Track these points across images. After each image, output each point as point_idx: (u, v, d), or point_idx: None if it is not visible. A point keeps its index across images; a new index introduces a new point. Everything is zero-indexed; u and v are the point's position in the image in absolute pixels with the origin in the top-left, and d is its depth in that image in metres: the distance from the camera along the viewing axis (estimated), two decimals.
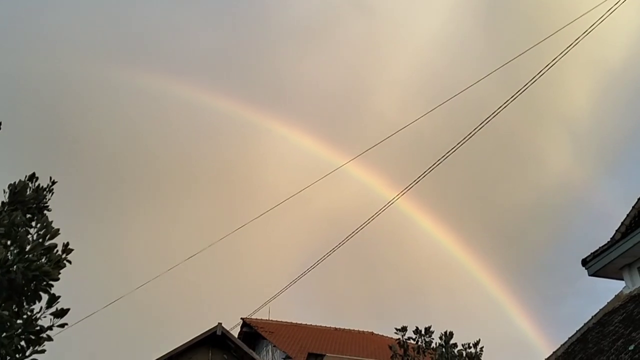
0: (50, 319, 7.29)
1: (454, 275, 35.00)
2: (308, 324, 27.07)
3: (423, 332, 14.81)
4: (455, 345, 14.63)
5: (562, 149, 39.11)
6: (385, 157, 32.62)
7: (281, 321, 26.34)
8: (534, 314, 29.74)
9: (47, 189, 9.05)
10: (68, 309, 7.43)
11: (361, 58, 39.65)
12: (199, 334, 21.46)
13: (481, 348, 14.61)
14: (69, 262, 8.03)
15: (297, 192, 18.54)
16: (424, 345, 14.80)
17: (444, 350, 14.37)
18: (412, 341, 15.20)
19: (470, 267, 31.29)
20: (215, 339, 21.24)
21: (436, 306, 35.55)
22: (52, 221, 7.75)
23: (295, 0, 41.26)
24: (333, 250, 16.61)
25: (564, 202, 40.20)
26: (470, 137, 15.11)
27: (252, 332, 24.92)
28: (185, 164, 39.44)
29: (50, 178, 9.25)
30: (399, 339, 15.03)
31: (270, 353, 24.83)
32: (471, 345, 14.65)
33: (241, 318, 24.47)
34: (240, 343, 22.21)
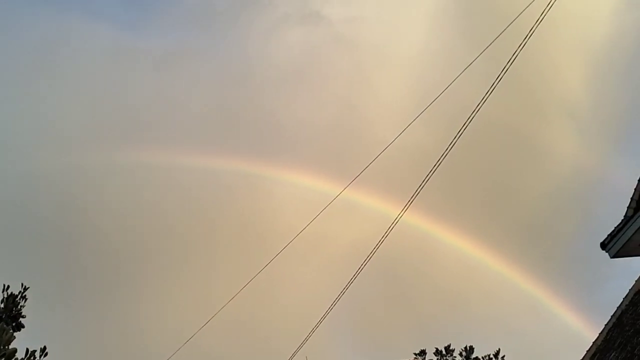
0: None
1: (489, 282, 34.29)
2: None
3: (444, 352, 14.44)
4: (477, 359, 14.24)
5: (567, 134, 38.60)
6: (394, 181, 32.52)
7: None
8: (576, 305, 28.86)
9: (19, 296, 9.16)
10: None
11: (353, 90, 39.97)
12: None
13: (502, 357, 14.22)
14: None
15: (308, 224, 18.30)
16: None
17: None
18: None
19: (502, 270, 30.68)
20: None
21: (479, 316, 34.75)
22: (9, 328, 7.75)
23: (275, 49, 41.96)
24: (353, 278, 16.25)
25: (581, 186, 39.46)
26: (459, 137, 14.91)
27: None
28: (209, 226, 40.10)
29: (22, 284, 9.40)
30: None
31: None
32: (491, 356, 14.28)
33: None
34: None
